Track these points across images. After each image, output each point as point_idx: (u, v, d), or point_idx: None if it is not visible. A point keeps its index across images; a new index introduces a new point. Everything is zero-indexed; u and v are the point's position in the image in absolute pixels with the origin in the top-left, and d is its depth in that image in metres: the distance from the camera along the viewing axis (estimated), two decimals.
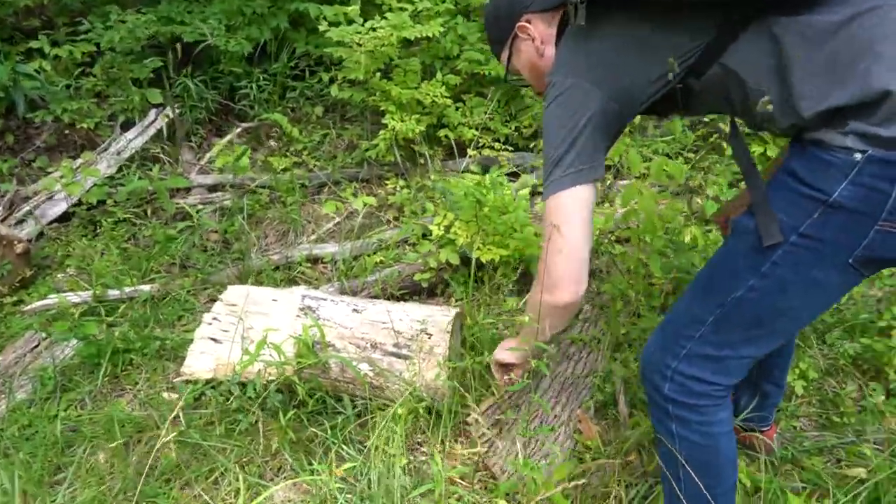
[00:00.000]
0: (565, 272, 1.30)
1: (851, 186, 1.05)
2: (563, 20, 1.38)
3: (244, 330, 2.07)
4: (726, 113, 1.29)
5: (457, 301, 2.51)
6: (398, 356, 1.95)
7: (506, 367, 1.71)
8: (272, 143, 3.60)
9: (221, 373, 2.04)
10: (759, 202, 1.15)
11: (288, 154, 3.35)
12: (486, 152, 3.18)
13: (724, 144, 2.83)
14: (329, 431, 1.85)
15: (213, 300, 2.54)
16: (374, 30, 2.92)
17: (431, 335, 1.97)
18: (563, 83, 1.27)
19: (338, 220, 3.05)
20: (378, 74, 3.09)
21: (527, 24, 1.43)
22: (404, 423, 1.79)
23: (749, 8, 1.12)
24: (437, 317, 2.04)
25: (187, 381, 2.08)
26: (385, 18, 2.93)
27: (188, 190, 3.20)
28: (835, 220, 1.08)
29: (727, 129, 1.33)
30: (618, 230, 2.59)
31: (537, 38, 1.43)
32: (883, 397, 1.97)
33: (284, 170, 3.22)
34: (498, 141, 3.23)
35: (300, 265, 2.70)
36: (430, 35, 2.96)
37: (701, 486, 1.29)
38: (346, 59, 3.02)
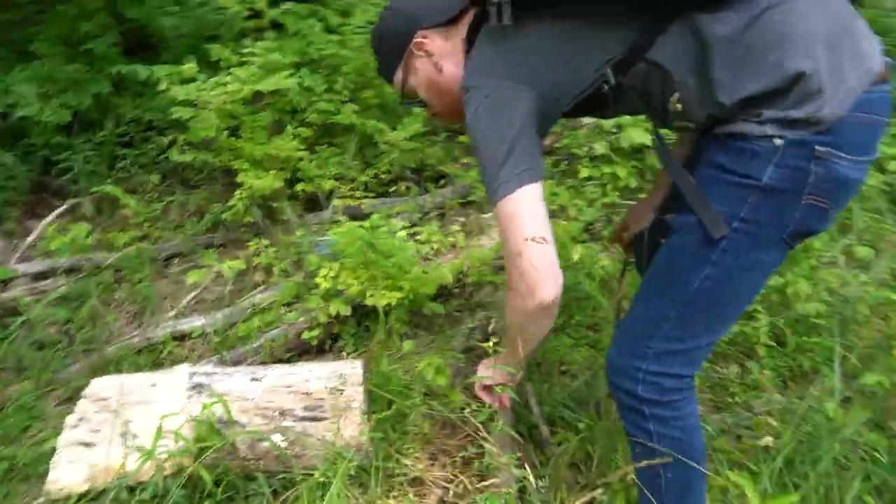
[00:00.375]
0: (540, 267, 1.26)
1: (777, 169, 1.15)
2: (472, 26, 1.37)
3: (123, 426, 1.79)
4: (642, 112, 1.36)
5: (348, 354, 2.39)
6: (312, 419, 1.80)
7: (489, 389, 1.64)
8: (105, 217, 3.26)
9: (101, 481, 1.74)
10: (696, 200, 1.21)
11: (128, 228, 3.04)
12: (347, 202, 3.11)
13: (580, 167, 3.02)
14: None
15: (68, 400, 2.21)
16: (222, 85, 2.77)
17: (343, 391, 1.85)
18: (488, 86, 1.26)
19: (195, 291, 2.80)
20: (225, 133, 2.93)
21: (423, 41, 1.41)
22: (340, 486, 1.64)
23: (672, 6, 1.19)
24: (345, 371, 1.92)
25: (54, 502, 1.75)
26: (230, 74, 2.80)
27: (5, 283, 2.77)
28: (768, 202, 1.17)
29: (651, 139, 1.38)
30: (497, 258, 2.64)
31: (435, 53, 1.41)
32: (763, 373, 2.16)
33: (126, 245, 2.91)
34: (357, 189, 3.18)
35: (165, 345, 2.42)
36: (279, 88, 2.87)
37: (683, 480, 1.31)
38: (193, 120, 2.83)
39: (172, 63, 3.23)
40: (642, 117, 3.06)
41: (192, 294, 2.75)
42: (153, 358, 2.38)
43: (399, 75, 1.47)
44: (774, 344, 2.27)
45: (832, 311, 2.35)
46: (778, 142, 1.14)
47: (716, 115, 1.19)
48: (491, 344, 1.46)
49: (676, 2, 1.19)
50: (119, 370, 2.24)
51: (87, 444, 1.79)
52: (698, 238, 1.23)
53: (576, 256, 2.34)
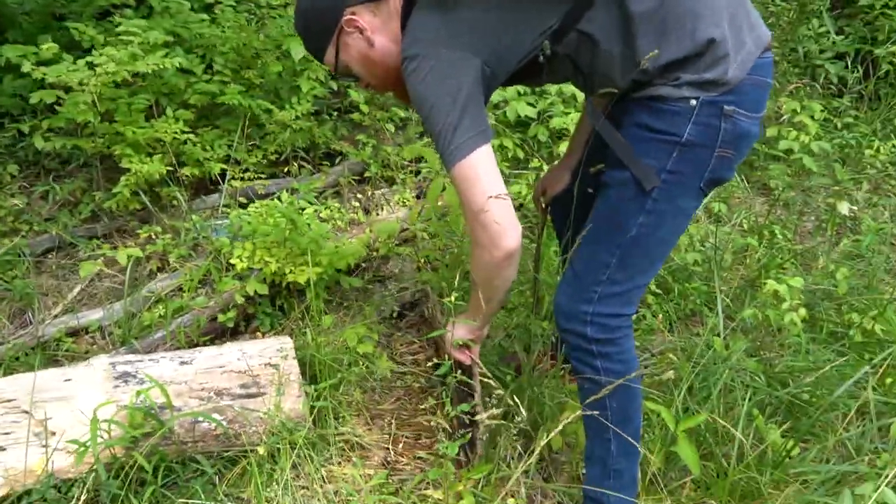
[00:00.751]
0: (502, 220, 1.35)
1: (694, 126, 1.32)
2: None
3: (39, 424, 1.67)
4: (572, 79, 1.48)
5: (264, 334, 2.36)
6: (250, 396, 1.78)
7: (462, 347, 1.70)
8: None
9: (19, 484, 1.62)
10: (629, 157, 1.36)
11: None
12: (237, 184, 3.03)
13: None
14: (201, 496, 1.61)
15: None
16: (91, 66, 2.58)
17: (278, 365, 1.84)
18: (433, 55, 1.32)
19: (81, 285, 2.61)
20: (98, 117, 2.73)
21: (353, 17, 1.43)
22: (287, 458, 1.65)
23: None
24: (275, 347, 1.91)
25: None
26: (102, 55, 2.61)
27: None
28: (688, 155, 1.34)
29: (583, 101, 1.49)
30: (405, 232, 2.71)
31: (366, 28, 1.44)
32: (654, 318, 2.41)
33: None
34: (247, 171, 3.10)
35: (60, 342, 2.25)
36: (157, 69, 2.72)
37: (625, 408, 1.46)
38: (66, 104, 2.61)
39: (23, 43, 2.95)
40: (527, 90, 3.25)
41: (79, 287, 2.57)
42: (48, 356, 2.20)
43: (331, 53, 1.49)
44: (661, 292, 2.53)
45: (704, 259, 2.66)
46: (693, 102, 1.31)
47: (638, 79, 1.34)
48: (453, 299, 1.53)
49: None
50: (13, 370, 2.06)
51: None
52: (632, 190, 1.37)
53: None
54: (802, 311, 2.14)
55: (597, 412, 1.47)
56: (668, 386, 2.02)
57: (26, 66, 2.56)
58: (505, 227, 1.36)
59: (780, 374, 2.10)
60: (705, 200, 3.11)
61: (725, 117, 1.32)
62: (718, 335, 2.21)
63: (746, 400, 1.88)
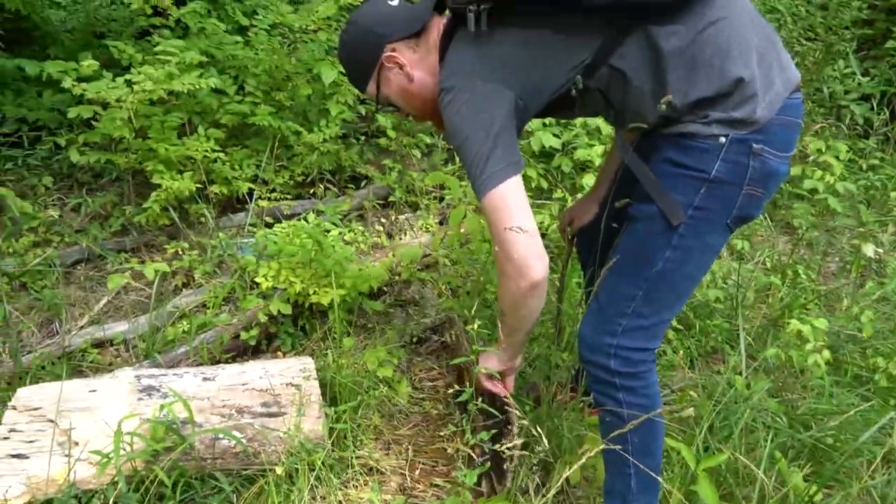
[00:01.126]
0: (529, 250, 1.36)
1: (723, 163, 1.33)
2: (445, 34, 1.46)
3: (63, 433, 1.69)
4: (603, 114, 1.50)
5: (285, 354, 2.37)
6: (270, 415, 1.79)
7: (492, 378, 1.70)
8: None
9: (41, 493, 1.64)
10: (657, 191, 1.37)
11: (25, 233, 2.82)
12: (263, 204, 3.08)
13: None
14: None
15: None
16: (129, 84, 2.65)
17: (300, 385, 1.85)
18: (469, 87, 1.35)
19: (108, 297, 2.66)
20: (133, 133, 2.80)
21: (393, 54, 1.49)
22: (305, 479, 1.65)
23: (629, 19, 1.33)
24: (297, 367, 1.93)
25: None
26: (140, 73, 2.68)
27: None
28: (716, 192, 1.35)
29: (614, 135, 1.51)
30: (427, 258, 2.73)
31: (405, 64, 1.50)
32: (675, 354, 2.39)
33: (25, 251, 2.70)
34: (274, 191, 3.15)
35: (86, 353, 2.29)
36: (192, 88, 2.78)
37: (647, 443, 1.46)
38: (103, 119, 2.68)
39: (64, 59, 3.04)
40: (552, 122, 3.28)
41: (106, 299, 2.61)
42: (73, 366, 2.24)
43: (372, 86, 1.55)
44: (682, 328, 2.52)
45: (726, 297, 2.65)
46: (722, 140, 1.32)
47: (668, 115, 1.36)
48: (476, 327, 1.53)
49: (631, 15, 1.34)
50: (39, 380, 2.09)
51: (20, 456, 1.67)
52: (659, 224, 1.38)
53: None
54: (826, 354, 2.12)
55: (618, 446, 1.47)
56: (689, 423, 2.00)
57: (67, 82, 2.64)
58: (532, 258, 1.37)
59: (802, 417, 2.08)
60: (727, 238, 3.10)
61: (754, 155, 1.33)
62: (740, 374, 2.19)
63: (768, 441, 1.86)
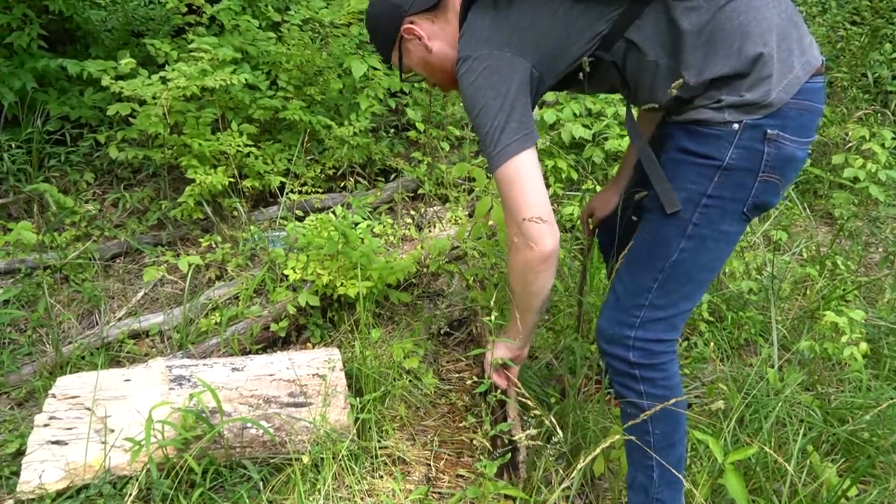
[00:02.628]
0: (541, 224, 1.36)
1: (736, 150, 1.30)
2: (464, 4, 1.44)
3: (100, 421, 1.75)
4: (618, 89, 1.48)
5: (314, 345, 2.41)
6: (297, 405, 1.83)
7: (501, 368, 1.69)
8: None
9: (79, 478, 1.70)
10: (655, 173, 1.35)
11: (66, 227, 2.92)
12: (295, 197, 3.12)
13: None
14: (246, 501, 1.65)
15: (23, 402, 2.13)
16: (164, 81, 2.71)
17: (325, 376, 1.88)
18: (484, 57, 1.34)
19: (145, 289, 2.73)
20: (168, 130, 2.87)
21: (411, 26, 1.51)
22: (330, 468, 1.68)
23: None
24: (323, 358, 1.96)
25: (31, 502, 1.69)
26: (175, 70, 2.74)
27: None
28: (731, 179, 1.32)
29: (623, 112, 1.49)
30: (455, 250, 2.73)
31: (424, 35, 1.51)
32: (706, 346, 2.36)
33: (66, 244, 2.80)
34: (305, 184, 3.19)
35: (123, 343, 2.36)
36: (225, 84, 2.84)
37: (669, 434, 1.44)
38: (139, 116, 2.75)
39: (104, 58, 3.13)
40: (583, 112, 3.24)
41: (143, 292, 2.68)
42: (110, 356, 2.31)
43: (395, 56, 1.57)
44: (714, 319, 2.48)
45: (760, 288, 2.59)
46: (736, 126, 1.29)
47: (680, 96, 1.33)
48: (493, 318, 1.53)
49: None
50: (79, 369, 2.17)
51: (59, 443, 1.74)
52: (674, 214, 1.36)
53: None
54: (864, 346, 2.06)
55: (639, 439, 1.45)
56: (718, 416, 1.97)
57: (106, 80, 2.72)
58: (543, 229, 1.36)
59: (837, 411, 2.03)
60: (764, 227, 3.03)
61: (769, 141, 1.29)
62: (773, 366, 2.15)
63: (801, 435, 1.82)
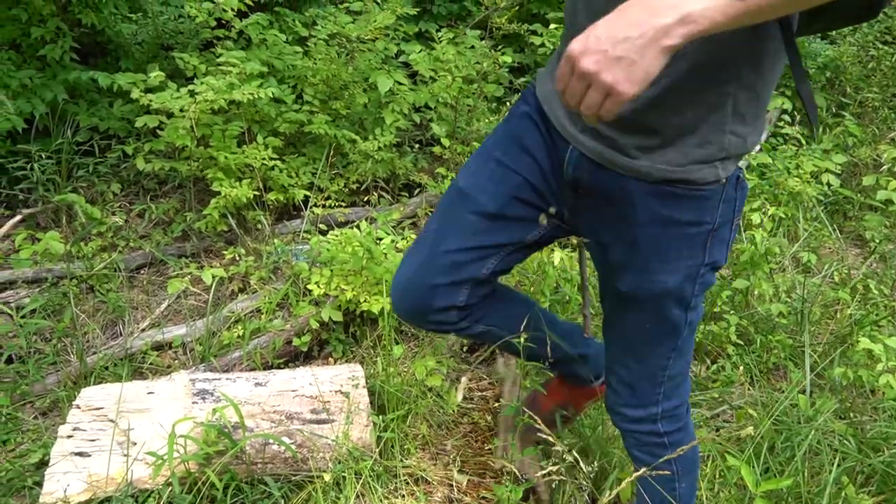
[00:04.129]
0: None
1: (722, 206, 1.14)
2: None
3: (122, 433, 1.75)
4: None
5: (336, 360, 2.40)
6: (319, 422, 1.81)
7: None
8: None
9: (101, 490, 1.70)
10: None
11: (92, 237, 2.94)
12: (318, 211, 3.12)
13: None
14: None
15: (47, 412, 2.13)
16: (192, 94, 2.74)
17: (348, 393, 1.87)
18: None
19: (168, 301, 2.74)
20: (195, 142, 2.89)
21: None
22: (352, 487, 1.66)
23: None
24: (346, 374, 1.94)
25: None
26: (203, 83, 2.77)
27: None
28: (717, 239, 1.17)
29: None
30: None
31: None
32: (734, 370, 2.31)
33: (92, 255, 2.82)
34: (329, 198, 3.20)
35: (146, 355, 2.36)
36: (252, 97, 2.86)
37: (691, 482, 1.39)
38: (167, 128, 2.78)
39: (134, 71, 3.17)
40: None
41: (166, 303, 2.69)
42: (133, 368, 2.32)
43: None
44: (741, 342, 2.43)
45: (790, 311, 2.54)
46: (724, 181, 1.11)
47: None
48: (523, 340, 1.48)
49: None
50: (102, 380, 2.17)
51: (82, 454, 1.74)
52: (674, 299, 1.20)
53: (556, 261, 2.44)
54: None
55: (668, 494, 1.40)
56: (747, 443, 1.92)
57: (135, 93, 2.75)
58: None
59: (872, 440, 1.97)
60: (793, 249, 2.98)
61: (740, 187, 1.15)
62: (804, 392, 2.10)
63: (834, 465, 1.77)
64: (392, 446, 1.91)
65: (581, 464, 1.30)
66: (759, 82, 1.05)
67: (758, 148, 1.02)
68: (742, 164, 1.14)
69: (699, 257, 1.16)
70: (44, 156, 3.12)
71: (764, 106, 1.10)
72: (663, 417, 1.35)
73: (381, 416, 1.90)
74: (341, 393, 1.87)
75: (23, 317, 2.47)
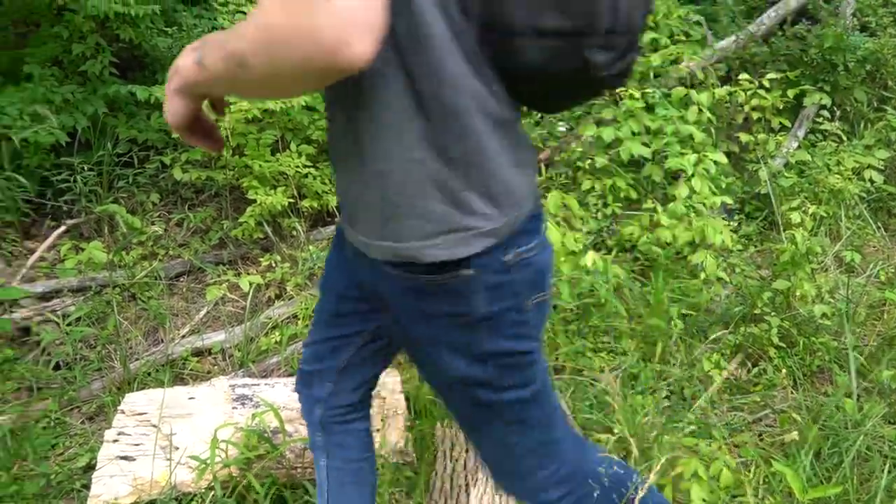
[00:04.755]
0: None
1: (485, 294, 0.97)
2: None
3: (165, 438, 1.79)
4: None
5: None
6: None
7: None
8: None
9: (146, 494, 1.73)
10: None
11: (133, 246, 3.01)
12: None
13: (583, 178, 3.11)
14: None
15: (93, 417, 2.19)
16: (231, 104, 2.79)
17: (385, 398, 1.88)
18: None
19: (207, 308, 2.79)
20: (230, 151, 2.95)
21: None
22: (389, 488, 1.67)
23: None
24: (383, 379, 1.94)
25: None
26: None
27: (10, 304, 2.72)
28: (498, 328, 1.00)
29: None
30: None
31: None
32: (777, 373, 2.26)
33: (134, 263, 2.89)
34: None
35: (186, 361, 2.41)
36: (285, 105, 2.90)
37: None
38: None
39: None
40: (641, 130, 3.18)
41: (205, 310, 2.74)
42: (174, 373, 2.36)
43: None
44: (784, 345, 2.37)
45: (834, 312, 2.47)
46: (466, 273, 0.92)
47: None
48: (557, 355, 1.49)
49: None
50: (145, 386, 2.22)
51: (128, 458, 1.78)
52: (475, 383, 1.02)
53: (589, 263, 2.41)
54: None
55: None
56: (790, 448, 1.87)
57: None
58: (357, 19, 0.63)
59: None
60: (836, 248, 2.91)
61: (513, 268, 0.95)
62: (850, 396, 2.04)
63: (885, 472, 1.72)
64: (426, 451, 1.91)
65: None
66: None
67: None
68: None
69: (481, 345, 0.97)
70: (86, 168, 3.20)
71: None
72: (560, 485, 1.15)
73: (417, 421, 1.90)
74: (378, 398, 1.87)
75: (69, 325, 2.54)
